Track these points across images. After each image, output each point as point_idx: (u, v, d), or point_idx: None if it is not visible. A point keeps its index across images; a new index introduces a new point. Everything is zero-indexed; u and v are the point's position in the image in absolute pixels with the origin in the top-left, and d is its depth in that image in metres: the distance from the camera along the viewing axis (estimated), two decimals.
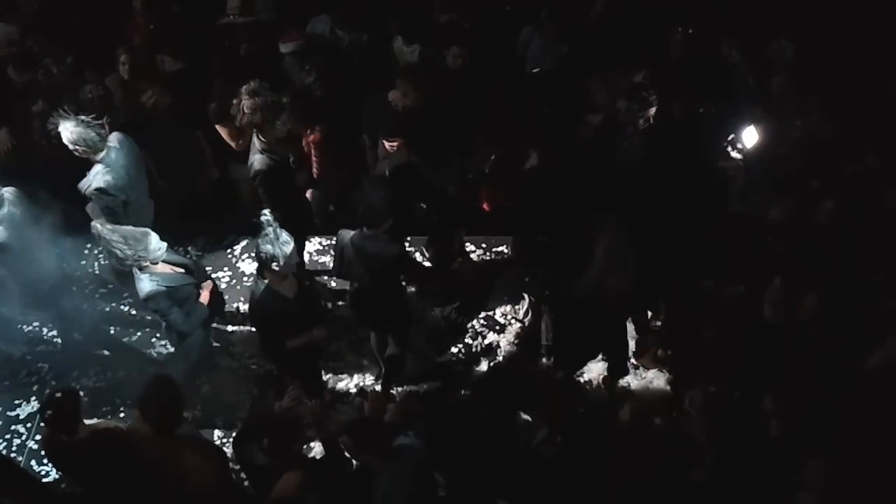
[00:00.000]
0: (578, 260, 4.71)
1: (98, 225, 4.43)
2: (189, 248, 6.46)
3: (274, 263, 4.24)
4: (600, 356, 5.35)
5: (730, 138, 5.37)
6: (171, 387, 4.02)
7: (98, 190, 5.09)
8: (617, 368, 5.30)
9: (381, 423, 4.30)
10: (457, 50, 5.85)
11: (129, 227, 4.48)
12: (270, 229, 4.23)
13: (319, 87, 6.09)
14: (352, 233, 4.68)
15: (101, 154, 5.11)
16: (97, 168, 5.12)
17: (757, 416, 4.33)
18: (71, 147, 5.01)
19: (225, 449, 5.18)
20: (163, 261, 4.61)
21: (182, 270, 4.79)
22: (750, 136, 5.31)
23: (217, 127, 5.95)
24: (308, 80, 6.09)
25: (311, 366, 5.10)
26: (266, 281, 4.40)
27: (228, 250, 6.56)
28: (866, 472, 3.75)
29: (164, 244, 4.57)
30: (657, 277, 5.08)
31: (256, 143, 5.13)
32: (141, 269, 4.53)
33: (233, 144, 6.00)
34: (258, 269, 4.45)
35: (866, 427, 3.88)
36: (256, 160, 5.12)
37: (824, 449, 3.91)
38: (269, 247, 4.21)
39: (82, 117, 4.97)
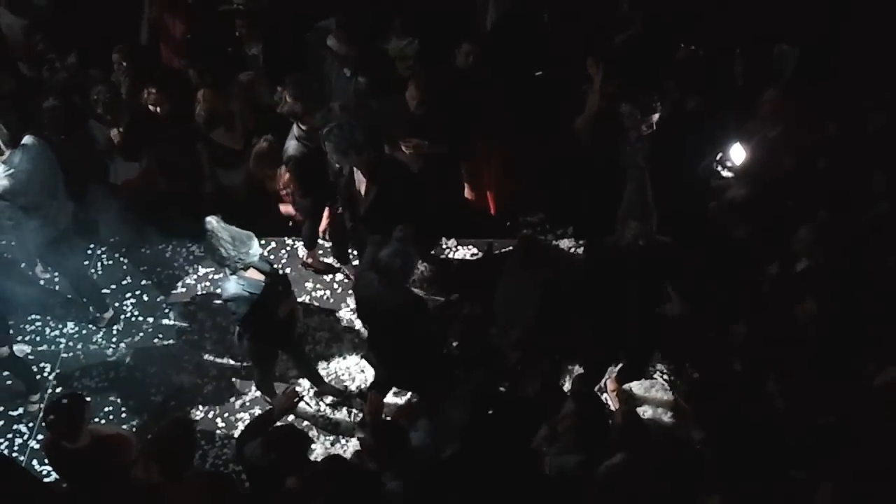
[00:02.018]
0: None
1: (214, 221, 4.39)
2: (193, 248, 6.39)
3: (404, 274, 4.41)
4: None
5: (718, 157, 5.24)
6: (186, 430, 3.94)
7: None
8: (630, 372, 5.23)
9: (398, 424, 4.32)
10: (468, 47, 5.79)
11: (237, 229, 4.45)
12: (400, 244, 4.38)
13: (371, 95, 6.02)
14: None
15: (5, 155, 4.98)
16: None
17: (751, 402, 4.34)
18: None
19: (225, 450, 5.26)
20: (253, 266, 4.57)
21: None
22: (738, 154, 5.16)
23: (212, 135, 5.96)
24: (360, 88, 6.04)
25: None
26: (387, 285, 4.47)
27: None
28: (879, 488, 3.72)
29: (261, 250, 4.56)
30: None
31: (295, 130, 5.24)
32: (234, 271, 4.50)
33: (233, 145, 6.01)
34: (383, 276, 4.44)
35: (879, 442, 3.84)
36: (291, 146, 5.24)
37: (834, 462, 3.87)
38: (398, 259, 4.34)
39: None
